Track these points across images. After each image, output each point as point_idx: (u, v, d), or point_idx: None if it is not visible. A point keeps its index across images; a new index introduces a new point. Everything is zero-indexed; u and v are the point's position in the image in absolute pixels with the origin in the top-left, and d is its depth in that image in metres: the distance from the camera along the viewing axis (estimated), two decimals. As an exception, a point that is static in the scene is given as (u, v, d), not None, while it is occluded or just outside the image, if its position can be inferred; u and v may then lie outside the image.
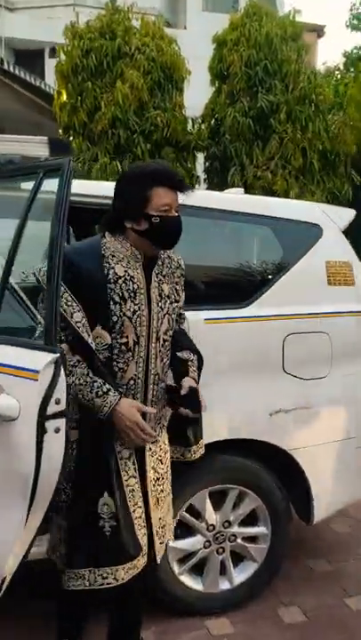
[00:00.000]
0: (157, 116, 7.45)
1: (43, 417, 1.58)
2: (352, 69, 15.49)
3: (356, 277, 2.78)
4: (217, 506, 2.49)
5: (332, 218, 2.81)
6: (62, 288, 1.72)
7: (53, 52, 9.96)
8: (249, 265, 2.83)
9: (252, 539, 2.60)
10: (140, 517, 1.88)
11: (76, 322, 1.75)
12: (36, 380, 1.60)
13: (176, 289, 2.01)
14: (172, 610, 2.43)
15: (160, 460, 1.97)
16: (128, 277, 1.84)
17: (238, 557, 2.59)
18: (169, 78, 7.74)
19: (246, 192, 7.65)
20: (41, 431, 1.58)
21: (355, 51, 16.68)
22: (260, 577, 2.59)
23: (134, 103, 7.35)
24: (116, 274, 1.83)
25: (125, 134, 7.40)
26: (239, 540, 2.55)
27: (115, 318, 1.81)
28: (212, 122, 8.62)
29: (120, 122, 7.38)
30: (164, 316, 1.93)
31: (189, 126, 8.40)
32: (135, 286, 1.85)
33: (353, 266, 2.79)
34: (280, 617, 2.50)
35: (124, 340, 1.82)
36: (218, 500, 2.49)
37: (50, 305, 1.66)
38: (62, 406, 1.59)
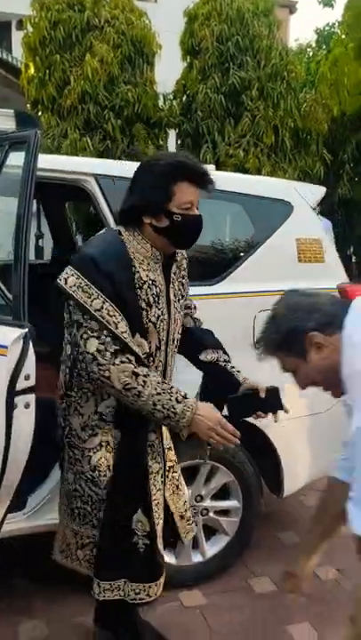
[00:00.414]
0: (128, 92, 7.35)
1: (12, 393, 1.56)
2: (324, 46, 15.43)
3: (326, 255, 2.80)
4: (189, 481, 2.52)
5: (303, 195, 2.82)
6: (102, 298, 1.63)
7: (20, 25, 9.67)
8: (220, 242, 2.83)
9: (224, 512, 2.64)
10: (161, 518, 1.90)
11: (122, 332, 1.65)
12: (5, 355, 1.58)
13: (182, 283, 1.94)
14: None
15: (170, 449, 1.98)
16: (150, 281, 1.75)
17: (210, 531, 2.63)
18: (139, 52, 7.63)
19: (218, 170, 7.64)
20: (10, 407, 1.56)
21: (326, 28, 16.58)
22: (232, 549, 2.64)
23: (104, 77, 7.24)
24: (141, 278, 1.73)
25: (95, 109, 7.29)
26: (211, 514, 2.59)
27: (145, 325, 1.74)
28: (184, 98, 8.53)
29: (90, 97, 7.27)
30: (178, 315, 1.88)
31: (161, 102, 8.30)
32: (157, 290, 1.77)
33: (323, 243, 2.82)
34: (251, 587, 2.56)
35: (148, 346, 1.76)
36: (190, 475, 2.52)
37: (17, 281, 1.64)
38: (32, 382, 1.58)
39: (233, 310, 2.54)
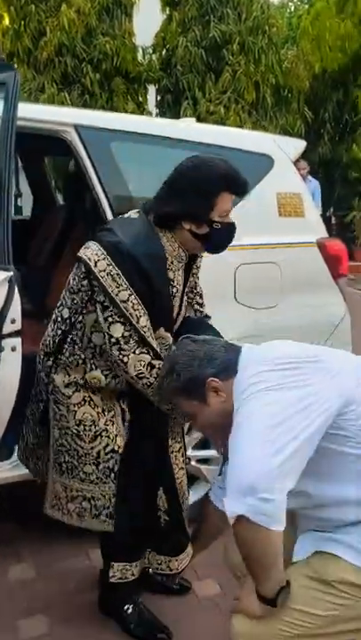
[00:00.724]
0: (106, 44, 7.18)
1: None
2: (306, 0, 15.11)
3: (305, 209, 2.83)
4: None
5: (284, 149, 2.82)
6: (130, 291, 1.65)
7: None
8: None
9: (205, 461, 2.72)
10: None
11: (142, 326, 1.68)
12: None
13: (196, 280, 2.00)
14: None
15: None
16: (170, 280, 1.78)
17: (192, 479, 2.72)
18: (117, 3, 7.44)
19: (199, 126, 7.55)
20: None
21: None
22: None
23: (81, 29, 7.05)
24: (169, 276, 1.78)
25: (73, 62, 7.12)
26: (193, 463, 2.67)
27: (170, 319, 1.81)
28: (164, 52, 8.36)
29: (67, 49, 7.09)
30: (184, 310, 1.93)
31: (140, 56, 8.12)
32: (174, 290, 1.80)
33: (303, 197, 2.84)
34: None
35: (170, 339, 1.82)
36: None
37: (1, 224, 1.64)
38: (17, 326, 1.60)
39: (213, 263, 2.56)
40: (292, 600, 1.31)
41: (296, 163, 8.85)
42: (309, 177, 8.40)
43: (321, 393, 1.29)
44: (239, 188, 1.76)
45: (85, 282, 1.73)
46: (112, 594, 2.08)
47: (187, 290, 1.92)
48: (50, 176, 3.99)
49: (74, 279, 1.78)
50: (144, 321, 1.69)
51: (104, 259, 1.66)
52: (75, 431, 1.84)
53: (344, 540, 1.35)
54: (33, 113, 2.32)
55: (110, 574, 1.98)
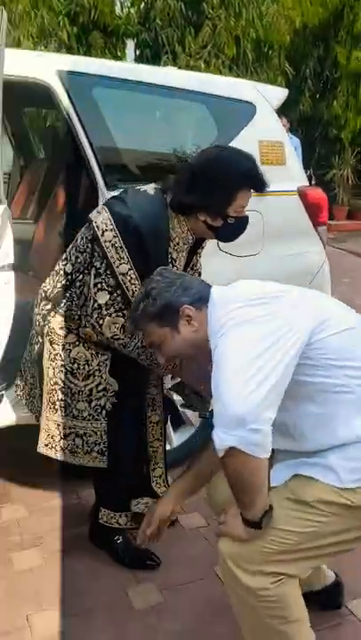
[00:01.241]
0: (83, -4, 6.98)
1: None
2: None
3: (286, 157, 2.86)
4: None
5: (266, 96, 2.84)
6: (130, 265, 1.73)
7: None
8: (182, 146, 2.84)
9: (190, 406, 2.80)
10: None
11: None
12: None
13: (198, 260, 2.06)
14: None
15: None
16: (172, 260, 1.85)
17: (178, 422, 2.80)
18: None
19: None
20: None
21: None
22: (196, 438, 2.82)
23: (58, -20, 6.83)
24: (171, 256, 1.84)
25: (49, 15, 6.93)
26: (179, 407, 2.75)
27: None
28: (142, 5, 8.17)
29: (42, 1, 6.88)
30: None
31: (118, 9, 7.94)
32: (175, 269, 1.85)
33: (284, 145, 2.86)
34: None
35: None
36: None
37: None
38: (10, 259, 1.64)
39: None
40: (273, 521, 1.40)
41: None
42: (290, 134, 8.36)
43: (292, 324, 1.36)
44: (260, 186, 1.80)
45: (90, 245, 1.80)
46: (102, 530, 2.17)
47: (188, 272, 1.97)
48: (28, 128, 3.93)
49: (82, 239, 1.85)
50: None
51: (112, 230, 1.74)
52: (69, 369, 1.91)
53: (320, 463, 1.44)
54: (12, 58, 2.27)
55: (99, 516, 2.10)
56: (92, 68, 2.42)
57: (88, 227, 1.84)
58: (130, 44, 8.21)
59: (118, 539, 2.16)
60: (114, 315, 1.77)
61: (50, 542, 2.25)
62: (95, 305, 1.77)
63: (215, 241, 2.61)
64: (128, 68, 2.37)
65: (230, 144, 2.69)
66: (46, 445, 2.03)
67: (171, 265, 1.84)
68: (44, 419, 2.02)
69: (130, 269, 1.74)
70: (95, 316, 1.78)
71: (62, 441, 2.00)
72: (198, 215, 1.80)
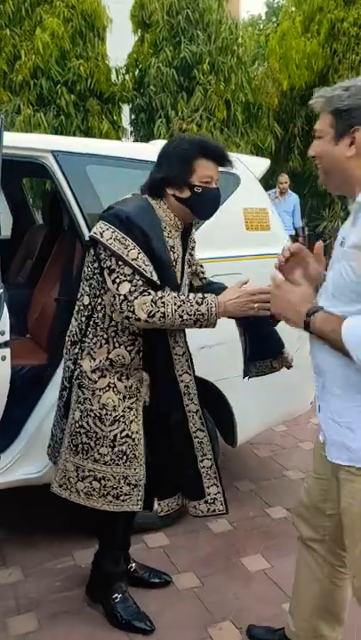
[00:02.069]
0: (80, 66, 7.35)
1: None
2: (274, 19, 15.55)
3: (271, 223, 3.01)
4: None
5: (249, 167, 3.01)
6: (137, 249, 1.82)
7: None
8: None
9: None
10: None
11: (156, 279, 1.87)
12: None
13: (192, 253, 2.16)
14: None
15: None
16: (170, 247, 1.95)
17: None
18: (90, 27, 7.62)
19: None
20: None
21: (276, 0, 16.69)
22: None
23: (55, 52, 7.23)
24: (167, 241, 1.94)
25: (48, 84, 7.28)
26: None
27: (174, 279, 1.96)
28: (137, 72, 8.57)
29: (41, 71, 7.25)
30: (187, 281, 2.09)
31: (113, 77, 8.32)
32: (176, 255, 1.97)
33: (268, 212, 3.02)
34: (210, 528, 2.81)
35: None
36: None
37: None
38: (6, 337, 1.75)
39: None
40: None
41: (279, 176, 9.17)
42: (289, 191, 8.69)
43: None
44: (215, 155, 1.93)
45: (97, 264, 1.91)
46: (102, 582, 2.22)
47: (187, 258, 2.07)
48: (28, 196, 4.12)
49: (87, 267, 1.98)
50: (155, 275, 1.87)
51: (108, 228, 1.86)
52: (97, 414, 1.99)
53: None
54: (14, 142, 2.45)
55: (101, 565, 2.20)
56: (84, 148, 2.59)
57: (88, 251, 1.96)
58: (125, 109, 8.56)
59: (117, 597, 2.19)
60: (140, 297, 1.83)
61: (46, 606, 2.27)
62: (121, 297, 1.83)
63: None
64: (118, 146, 2.54)
65: (216, 212, 2.86)
66: (61, 486, 2.09)
67: (170, 252, 1.94)
68: (63, 460, 2.08)
69: (139, 253, 1.83)
70: (125, 307, 1.83)
71: (79, 483, 2.05)
72: (168, 191, 1.92)
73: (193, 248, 2.17)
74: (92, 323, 1.98)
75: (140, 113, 8.45)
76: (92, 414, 2.00)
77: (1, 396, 1.79)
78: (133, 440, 2.03)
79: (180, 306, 1.86)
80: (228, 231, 2.87)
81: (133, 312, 1.84)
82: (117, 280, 1.85)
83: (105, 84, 7.80)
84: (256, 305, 1.93)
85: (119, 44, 8.10)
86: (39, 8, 7.34)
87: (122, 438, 2.01)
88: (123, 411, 2.00)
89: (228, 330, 2.80)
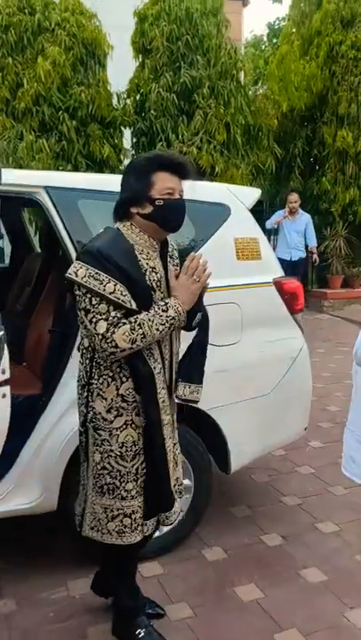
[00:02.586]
0: (81, 93, 7.48)
1: None
2: (275, 40, 15.76)
3: (262, 252, 3.06)
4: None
5: (240, 198, 3.06)
6: (113, 282, 1.85)
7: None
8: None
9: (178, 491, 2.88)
10: None
11: (135, 307, 1.90)
12: None
13: (176, 264, 2.17)
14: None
15: (173, 429, 2.19)
16: (151, 268, 1.98)
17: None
18: (91, 54, 7.75)
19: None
20: None
21: (277, 22, 16.93)
22: (186, 524, 2.88)
23: (57, 80, 7.35)
24: (143, 266, 1.96)
25: (50, 111, 7.40)
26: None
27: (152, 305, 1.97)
28: (137, 97, 8.70)
29: (43, 99, 7.37)
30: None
31: (115, 101, 8.45)
32: (158, 276, 2.00)
33: (260, 241, 3.07)
34: (204, 556, 2.81)
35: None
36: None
37: None
38: (7, 375, 1.81)
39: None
40: None
41: (288, 196, 9.26)
42: (300, 210, 8.76)
43: None
44: (171, 166, 1.96)
45: (75, 297, 1.93)
46: (123, 617, 2.25)
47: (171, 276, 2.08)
48: (26, 225, 4.20)
49: (76, 309, 2.00)
50: (134, 305, 1.90)
51: (82, 267, 1.89)
52: (118, 453, 2.02)
53: None
54: (9, 179, 2.52)
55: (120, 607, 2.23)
56: (76, 184, 2.66)
57: (70, 292, 1.98)
58: (127, 133, 8.68)
59: (140, 633, 2.20)
60: (118, 330, 1.85)
61: (39, 637, 2.29)
62: (100, 337, 1.85)
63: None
64: (108, 180, 2.60)
65: (208, 242, 2.91)
66: (92, 528, 2.10)
67: (151, 272, 1.96)
68: (90, 503, 2.09)
69: (115, 285, 1.85)
70: (105, 345, 1.86)
71: (110, 523, 2.06)
72: (132, 210, 1.96)
73: (178, 265, 2.16)
74: (94, 363, 2.00)
75: (142, 136, 8.55)
76: (113, 454, 2.02)
77: (1, 432, 1.84)
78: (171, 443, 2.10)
79: (153, 320, 1.91)
80: (219, 261, 2.90)
81: (116, 346, 1.87)
82: (94, 320, 1.87)
83: (106, 110, 7.90)
84: (197, 279, 2.00)
85: (120, 69, 8.24)
86: (41, 37, 7.48)
87: (143, 469, 2.04)
88: (143, 443, 2.03)
89: (217, 359, 2.87)
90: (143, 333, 1.89)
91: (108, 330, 1.86)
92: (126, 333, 1.87)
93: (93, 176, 3.41)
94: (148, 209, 1.95)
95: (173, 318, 1.95)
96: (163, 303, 1.96)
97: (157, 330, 1.92)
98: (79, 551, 2.64)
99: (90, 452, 2.06)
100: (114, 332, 1.86)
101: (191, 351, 2.17)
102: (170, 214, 1.99)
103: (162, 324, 1.93)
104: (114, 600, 2.30)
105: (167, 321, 1.94)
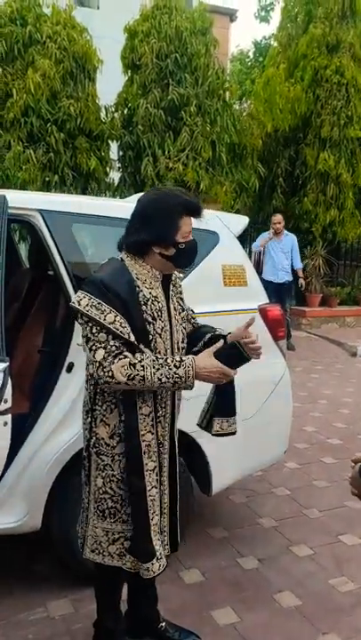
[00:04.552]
0: (70, 106, 7.51)
1: None
2: (261, 58, 16.04)
3: (248, 279, 3.14)
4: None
5: (228, 225, 3.14)
6: (113, 313, 1.90)
7: None
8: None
9: (158, 512, 2.92)
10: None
11: (133, 339, 1.94)
12: None
13: (181, 298, 2.21)
14: (86, 580, 2.65)
15: (162, 474, 2.16)
16: (153, 298, 2.02)
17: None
18: (81, 68, 7.79)
19: (159, 182, 7.93)
20: None
21: (263, 41, 17.24)
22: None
23: (46, 92, 7.39)
24: (145, 296, 2.00)
25: (38, 122, 7.42)
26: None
27: (150, 337, 1.99)
28: (125, 111, 8.77)
29: (32, 110, 7.39)
30: (180, 326, 2.15)
31: (103, 115, 8.51)
32: (160, 305, 2.04)
33: (246, 268, 3.15)
34: (181, 578, 2.86)
35: (157, 355, 2.01)
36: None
37: None
38: (9, 404, 1.86)
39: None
40: None
41: (272, 217, 9.19)
42: (285, 231, 8.61)
43: None
44: (197, 211, 2.05)
45: (79, 324, 1.96)
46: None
47: (173, 305, 2.12)
48: (14, 240, 4.21)
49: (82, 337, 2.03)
50: (132, 336, 1.94)
51: (85, 296, 1.94)
52: (120, 478, 2.05)
53: None
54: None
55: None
56: (69, 207, 2.71)
57: (76, 320, 2.01)
58: (113, 146, 8.74)
59: None
60: (116, 361, 1.89)
61: (16, 659, 2.30)
62: (97, 364, 1.89)
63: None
64: (100, 205, 2.66)
65: (196, 268, 2.96)
66: (93, 551, 2.13)
67: (153, 302, 2.01)
68: (92, 526, 2.11)
69: (115, 316, 1.90)
70: (102, 374, 1.89)
71: (111, 546, 2.10)
72: (154, 249, 2.01)
73: (181, 293, 2.22)
74: (98, 390, 2.04)
75: (128, 150, 8.63)
76: (115, 479, 2.05)
77: (1, 459, 1.88)
78: (157, 491, 2.10)
79: (159, 369, 1.92)
80: (206, 287, 2.98)
81: (112, 377, 1.90)
82: (93, 347, 1.92)
83: (94, 123, 7.95)
84: (222, 379, 2.06)
85: (109, 84, 8.30)
86: (31, 49, 7.52)
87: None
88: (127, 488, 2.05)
89: (203, 383, 2.92)
90: (143, 376, 1.90)
91: (105, 358, 1.89)
92: (125, 367, 1.90)
93: (88, 200, 3.46)
94: (171, 251, 2.02)
95: (180, 378, 1.94)
96: (178, 359, 1.96)
97: (159, 380, 1.92)
98: (61, 570, 2.66)
99: (92, 476, 2.09)
100: (112, 363, 1.89)
101: (221, 388, 2.20)
102: (188, 255, 2.08)
103: (166, 377, 1.92)
104: (96, 621, 2.32)
105: (172, 377, 1.93)
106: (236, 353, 2.09)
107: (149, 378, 1.91)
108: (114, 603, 2.31)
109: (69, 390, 2.62)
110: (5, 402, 1.89)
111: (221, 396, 2.23)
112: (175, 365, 1.94)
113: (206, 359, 2.01)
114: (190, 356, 2.00)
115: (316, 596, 2.77)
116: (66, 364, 2.62)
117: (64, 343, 2.62)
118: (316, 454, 4.60)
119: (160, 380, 1.92)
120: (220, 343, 2.13)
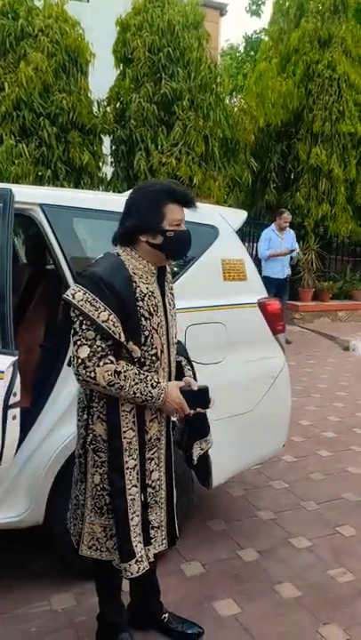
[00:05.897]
0: (63, 100, 7.47)
1: (6, 407, 1.87)
2: (252, 53, 16.04)
3: (248, 273, 3.15)
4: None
5: (228, 220, 3.15)
6: (108, 311, 1.89)
7: None
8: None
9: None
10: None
11: (124, 340, 1.94)
12: (2, 378, 1.87)
13: (172, 294, 2.20)
14: (88, 574, 2.70)
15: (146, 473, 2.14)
16: (150, 293, 2.01)
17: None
18: (73, 62, 7.76)
19: (152, 177, 7.91)
20: (5, 419, 1.90)
21: (254, 36, 17.22)
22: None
23: (38, 85, 7.34)
24: (142, 291, 1.99)
25: (30, 116, 7.38)
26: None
27: (146, 333, 1.98)
28: (118, 105, 8.74)
29: (24, 104, 7.35)
30: (174, 322, 2.16)
31: (95, 109, 8.47)
32: (156, 301, 2.03)
33: (245, 262, 3.16)
34: (182, 571, 2.87)
35: (154, 351, 2.02)
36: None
37: (4, 314, 1.90)
38: (18, 398, 1.88)
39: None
40: None
41: (281, 214, 9.10)
42: (288, 228, 8.52)
43: None
44: (183, 198, 2.01)
45: (70, 318, 1.96)
46: (108, 633, 2.28)
47: (168, 301, 2.12)
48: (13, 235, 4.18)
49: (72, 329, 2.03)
50: (123, 336, 1.94)
51: (80, 290, 1.93)
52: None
53: None
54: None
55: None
56: (69, 202, 2.70)
57: (68, 313, 1.99)
58: (106, 141, 8.70)
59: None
60: (101, 363, 1.89)
61: (20, 653, 2.31)
62: (79, 361, 1.89)
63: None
64: (103, 199, 2.65)
65: (195, 263, 2.98)
66: (90, 547, 2.13)
67: (150, 297, 2.01)
68: (88, 523, 2.11)
69: (109, 314, 1.90)
70: (83, 372, 1.89)
71: (108, 542, 2.10)
72: (141, 238, 2.00)
73: (172, 289, 2.20)
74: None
75: (121, 145, 8.59)
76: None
77: (11, 452, 1.89)
78: (154, 488, 2.12)
79: (138, 384, 1.95)
80: (206, 281, 2.99)
81: (94, 378, 1.91)
82: (78, 342, 1.92)
83: (87, 117, 7.91)
84: (177, 416, 2.09)
85: (101, 78, 8.26)
86: (23, 42, 7.46)
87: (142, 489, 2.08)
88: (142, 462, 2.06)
89: (202, 377, 2.93)
90: (122, 386, 1.93)
91: (89, 358, 1.90)
92: (109, 372, 1.91)
93: (89, 194, 3.45)
94: (159, 239, 2.00)
95: (152, 397, 1.97)
96: (157, 380, 1.99)
97: (134, 394, 1.95)
98: (62, 565, 2.67)
99: (89, 473, 2.09)
100: (97, 364, 1.90)
101: (190, 420, 2.21)
102: (178, 245, 2.07)
103: (141, 393, 1.95)
104: (98, 615, 2.33)
105: (146, 394, 1.96)
106: (202, 398, 2.14)
107: (127, 389, 1.94)
108: (114, 596, 2.32)
109: (70, 384, 2.62)
110: (15, 395, 1.90)
111: (195, 422, 2.25)
112: (152, 385, 1.98)
113: (175, 390, 2.04)
114: (166, 382, 2.04)
115: (315, 587, 2.80)
116: (67, 359, 2.62)
117: (65, 338, 2.62)
118: (311, 447, 4.63)
119: (135, 393, 1.95)
120: (188, 380, 2.17)
